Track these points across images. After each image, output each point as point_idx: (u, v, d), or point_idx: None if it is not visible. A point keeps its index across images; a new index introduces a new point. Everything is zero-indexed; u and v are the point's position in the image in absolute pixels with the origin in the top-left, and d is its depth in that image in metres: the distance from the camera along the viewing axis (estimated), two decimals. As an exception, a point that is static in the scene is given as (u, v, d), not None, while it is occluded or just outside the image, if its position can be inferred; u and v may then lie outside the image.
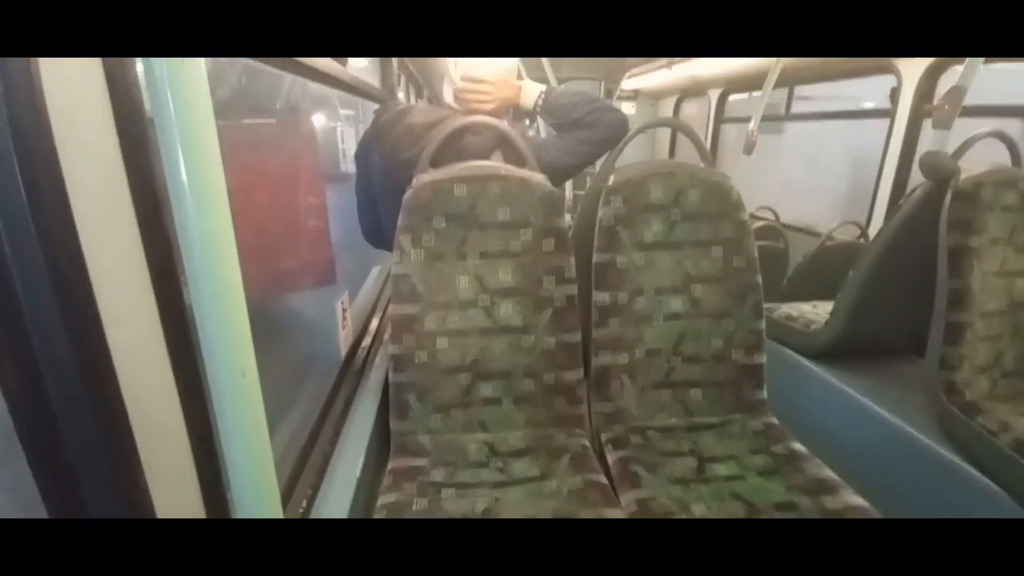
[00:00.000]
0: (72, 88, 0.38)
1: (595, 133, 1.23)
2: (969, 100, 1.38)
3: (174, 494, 0.46)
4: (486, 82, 1.25)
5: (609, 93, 4.22)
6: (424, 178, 1.13)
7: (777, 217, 3.01)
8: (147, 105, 0.40)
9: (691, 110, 4.43)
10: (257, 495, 0.48)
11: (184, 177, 0.38)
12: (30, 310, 0.36)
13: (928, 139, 1.52)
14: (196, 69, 0.39)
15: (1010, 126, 1.52)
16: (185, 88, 0.38)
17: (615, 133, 1.24)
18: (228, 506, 0.52)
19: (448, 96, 1.32)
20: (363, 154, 1.30)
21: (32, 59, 0.34)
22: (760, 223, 2.74)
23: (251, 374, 0.45)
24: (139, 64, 0.39)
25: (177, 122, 0.37)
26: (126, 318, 0.41)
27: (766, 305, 1.89)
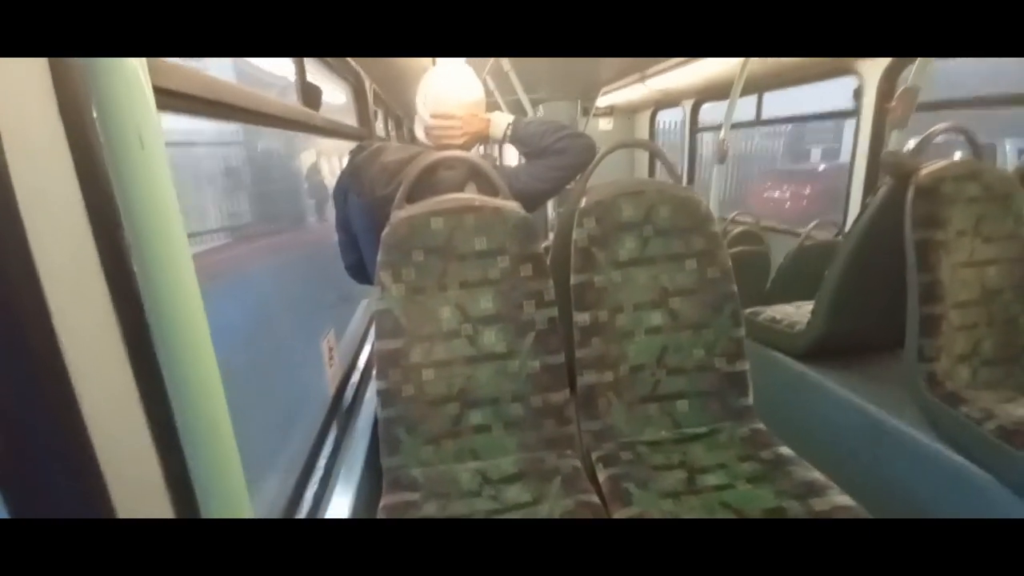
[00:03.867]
0: (19, 88, 0.37)
1: (564, 159, 1.27)
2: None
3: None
4: (455, 117, 1.29)
5: (586, 111, 4.30)
6: (400, 214, 1.16)
7: (757, 221, 3.06)
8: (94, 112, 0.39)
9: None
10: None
11: (138, 222, 0.39)
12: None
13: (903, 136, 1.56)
14: (131, 70, 0.38)
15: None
16: (122, 92, 0.37)
17: (584, 158, 1.28)
18: None
19: (420, 133, 1.36)
20: (340, 194, 1.33)
21: None
22: (739, 228, 2.78)
23: (224, 426, 0.45)
24: (81, 63, 0.38)
25: (130, 180, 0.38)
26: (99, 382, 0.41)
27: (750, 309, 1.92)
